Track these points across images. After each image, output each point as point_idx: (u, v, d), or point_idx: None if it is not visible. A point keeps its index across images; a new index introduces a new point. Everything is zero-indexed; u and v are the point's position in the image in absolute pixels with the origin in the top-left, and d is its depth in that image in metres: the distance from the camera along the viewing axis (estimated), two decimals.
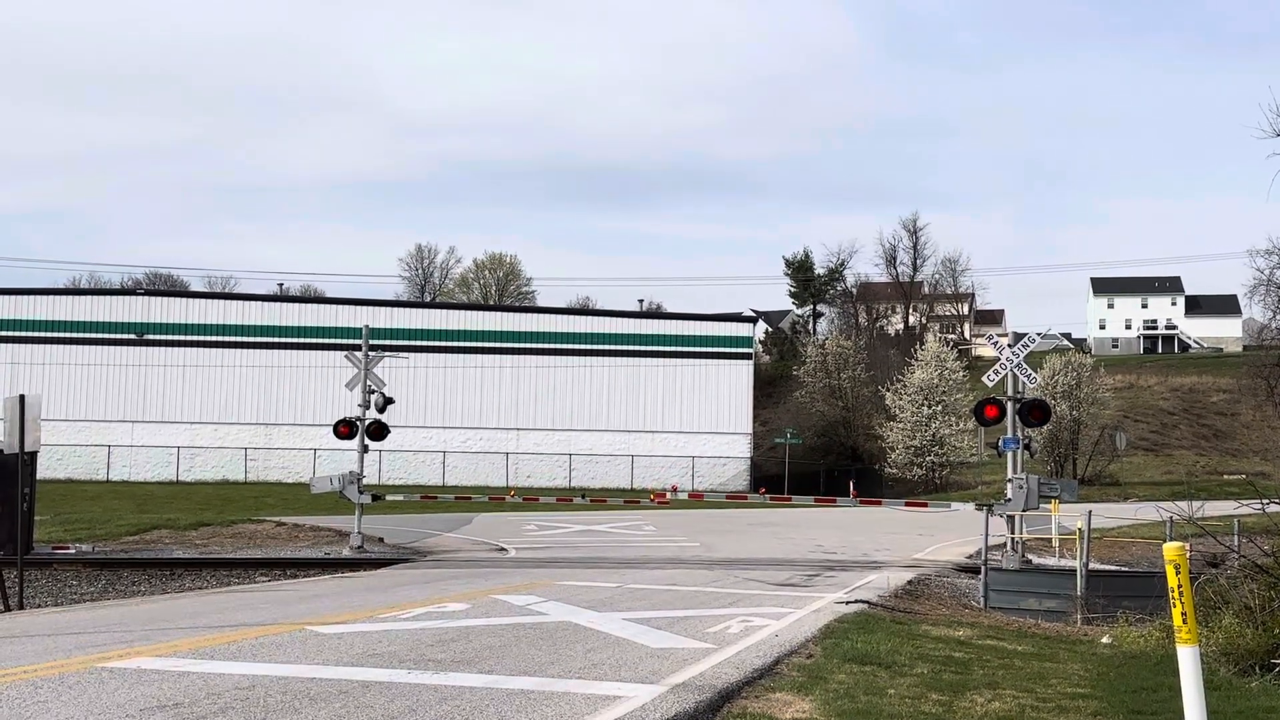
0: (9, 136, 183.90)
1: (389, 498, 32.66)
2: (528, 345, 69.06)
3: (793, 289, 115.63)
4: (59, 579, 24.16)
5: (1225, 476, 66.51)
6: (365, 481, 28.75)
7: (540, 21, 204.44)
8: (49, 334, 67.79)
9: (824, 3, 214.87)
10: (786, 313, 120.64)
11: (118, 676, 9.80)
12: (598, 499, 41.14)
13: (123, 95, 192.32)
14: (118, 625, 14.30)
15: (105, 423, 67.32)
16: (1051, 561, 25.55)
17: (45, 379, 64.46)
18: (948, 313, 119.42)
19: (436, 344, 67.91)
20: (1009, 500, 22.42)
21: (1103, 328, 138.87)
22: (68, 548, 27.80)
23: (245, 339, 68.34)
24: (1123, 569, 24.96)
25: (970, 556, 26.18)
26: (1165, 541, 10.55)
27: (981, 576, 20.80)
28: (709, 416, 68.65)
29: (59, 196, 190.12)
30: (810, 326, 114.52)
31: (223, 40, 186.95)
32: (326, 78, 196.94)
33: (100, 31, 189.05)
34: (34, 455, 24.82)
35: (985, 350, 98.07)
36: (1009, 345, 23.77)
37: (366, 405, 28.54)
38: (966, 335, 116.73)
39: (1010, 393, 22.94)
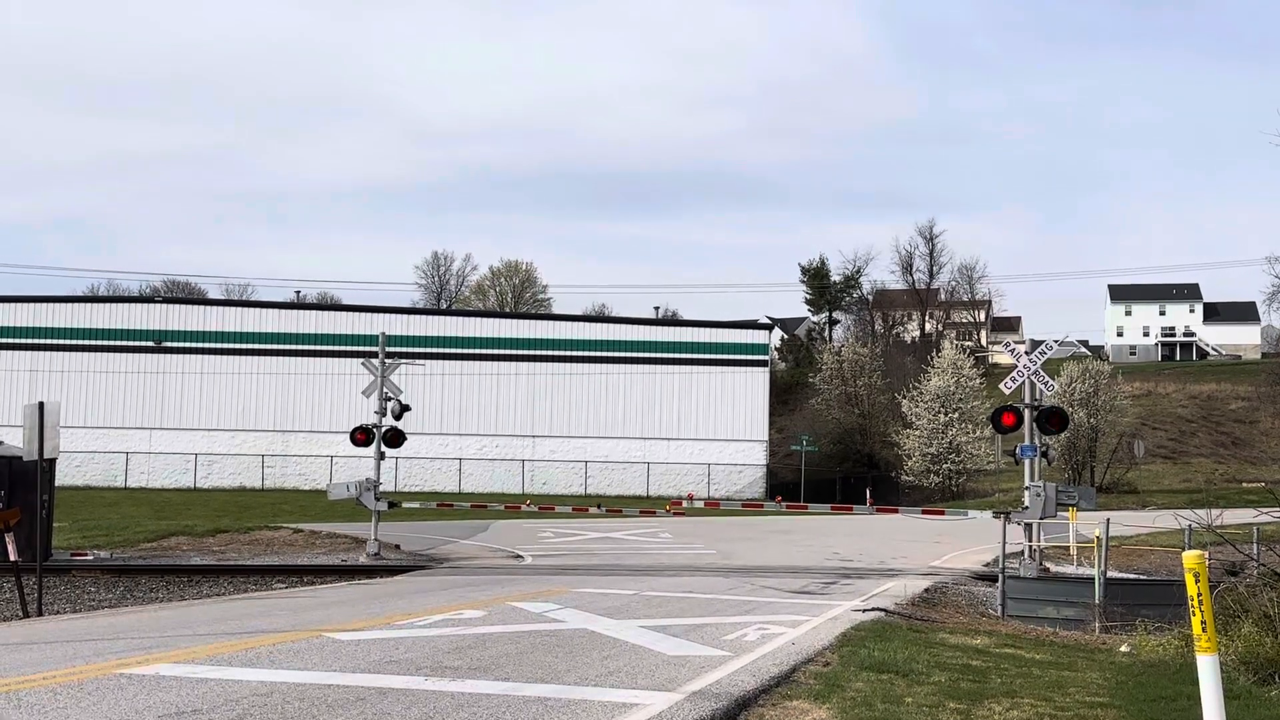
0: (27, 143, 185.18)
1: (405, 505, 32.71)
2: (543, 352, 69.14)
3: (809, 296, 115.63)
4: (77, 586, 24.25)
5: (1244, 484, 66.16)
6: (382, 488, 28.81)
7: (557, 28, 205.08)
8: (68, 341, 68.20)
9: (841, 9, 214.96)
10: (802, 320, 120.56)
11: (136, 683, 9.84)
12: (614, 507, 41.14)
13: (141, 102, 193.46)
14: (136, 632, 14.35)
15: (123, 429, 67.64)
16: (1069, 569, 25.44)
17: (64, 386, 64.86)
18: (964, 320, 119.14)
19: (453, 351, 68.06)
20: (1026, 508, 22.35)
21: (1120, 335, 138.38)
22: (86, 554, 27.92)
23: (262, 346, 68.62)
24: (1141, 577, 24.84)
25: (987, 564, 26.10)
26: (1184, 549, 10.50)
27: (999, 584, 20.73)
28: (725, 424, 68.60)
29: (77, 204, 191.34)
30: (826, 334, 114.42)
31: (240, 48, 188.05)
32: (345, 85, 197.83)
33: (118, 39, 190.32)
34: (53, 462, 24.95)
35: (1002, 357, 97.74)
36: (1026, 352, 23.70)
37: (383, 412, 28.61)
38: (983, 342, 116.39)
39: (1027, 400, 22.87)
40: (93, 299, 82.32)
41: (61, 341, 68.17)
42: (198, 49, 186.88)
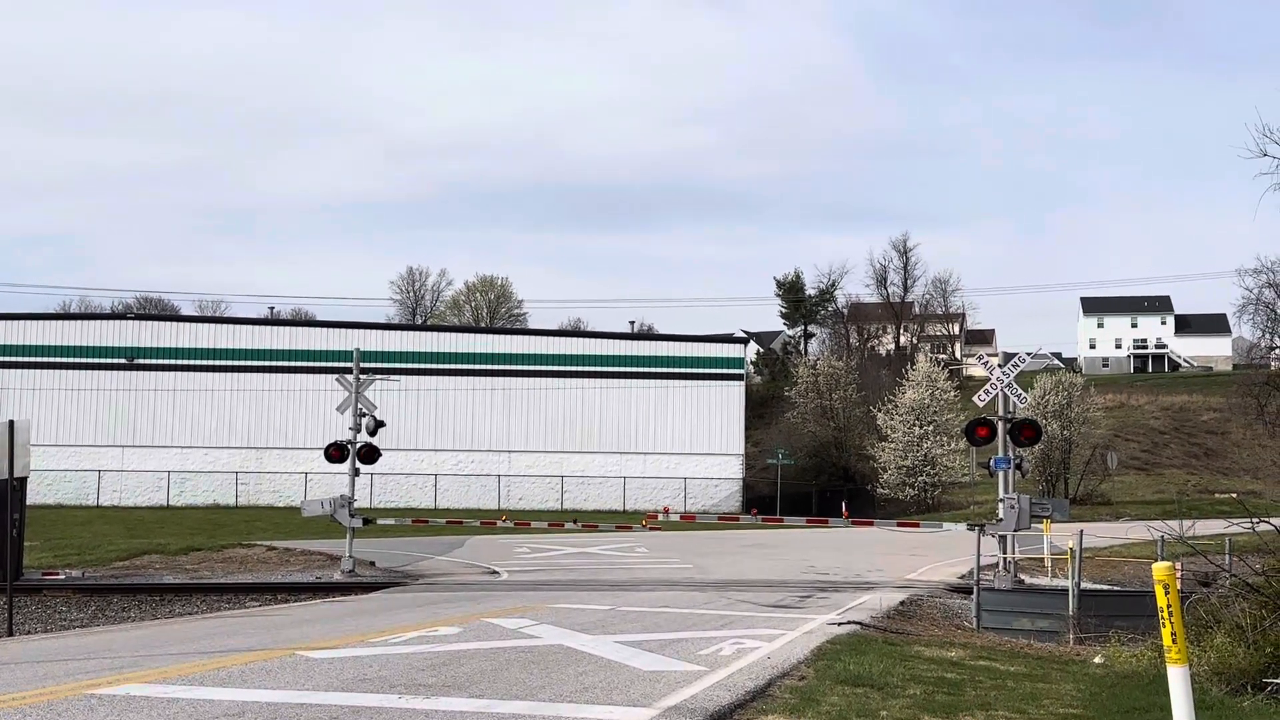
0: None
1: (380, 521, 32.62)
2: (519, 367, 69.05)
3: (784, 310, 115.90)
4: (49, 605, 24.06)
5: (1216, 495, 66.54)
6: (356, 505, 28.68)
7: (533, 43, 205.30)
8: (39, 359, 67.66)
9: (817, 24, 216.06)
10: (778, 333, 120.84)
11: (107, 703, 9.76)
12: (590, 522, 41.06)
13: (114, 119, 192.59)
14: (107, 651, 14.23)
15: (95, 447, 67.11)
16: (1044, 581, 25.53)
17: (35, 404, 64.34)
18: (938, 333, 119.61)
19: (428, 367, 67.88)
20: (1001, 520, 22.42)
21: (1093, 347, 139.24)
22: (58, 573, 27.68)
23: (236, 363, 68.26)
24: (1115, 588, 24.96)
25: (962, 577, 26.17)
26: (1156, 561, 10.57)
27: (974, 597, 20.79)
28: (701, 438, 68.63)
29: (48, 220, 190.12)
30: (801, 347, 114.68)
31: (214, 64, 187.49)
32: (320, 101, 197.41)
33: (90, 55, 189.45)
34: (24, 481, 24.76)
35: (976, 370, 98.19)
36: (999, 365, 23.83)
37: (357, 428, 28.49)
38: (957, 355, 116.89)
39: (1001, 412, 22.98)
40: (64, 316, 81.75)
41: (32, 359, 67.63)
42: (172, 65, 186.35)
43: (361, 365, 29.73)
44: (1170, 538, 19.82)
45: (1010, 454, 22.79)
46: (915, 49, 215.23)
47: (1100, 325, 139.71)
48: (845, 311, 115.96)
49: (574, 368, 69.22)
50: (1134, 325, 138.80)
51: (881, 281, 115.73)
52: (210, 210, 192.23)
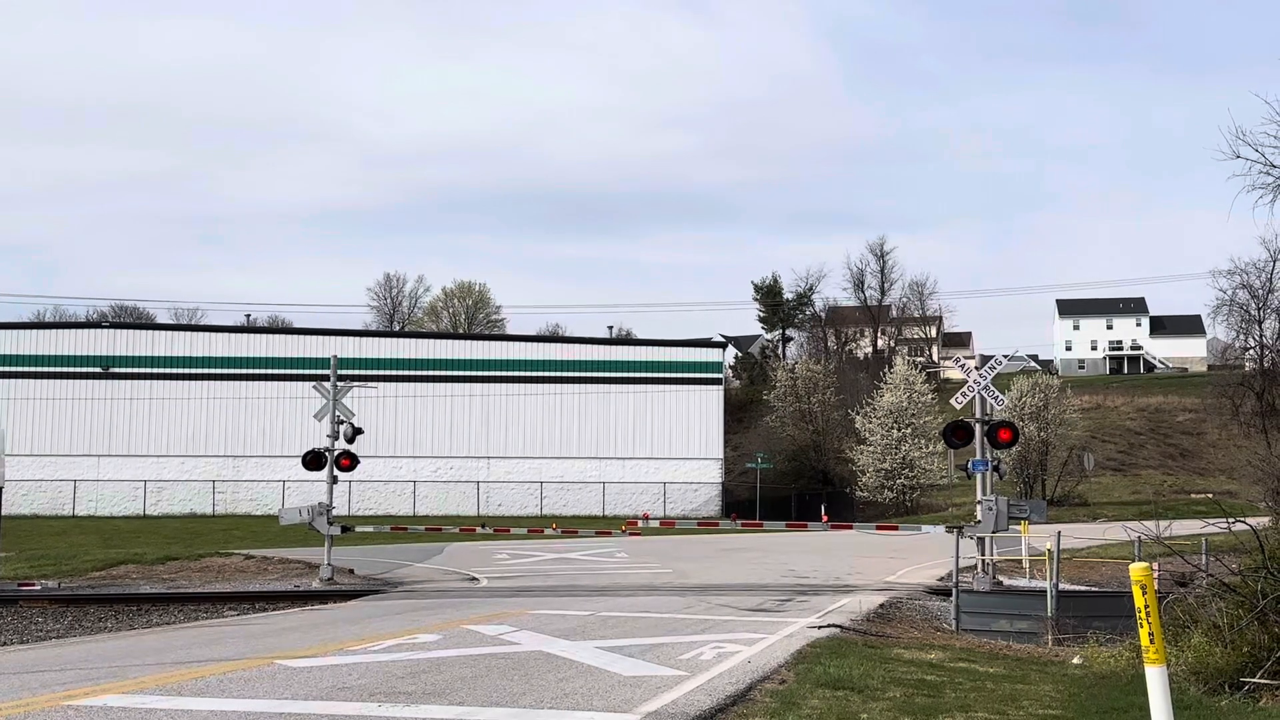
0: None
1: (359, 529, 32.46)
2: (497, 373, 68.94)
3: (762, 314, 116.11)
4: (24, 616, 23.84)
5: (1192, 496, 67.04)
6: (335, 513, 28.57)
7: (512, 50, 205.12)
8: (13, 369, 67.17)
9: (793, 30, 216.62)
10: (756, 338, 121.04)
11: (84, 714, 9.69)
12: (569, 528, 40.99)
13: (88, 126, 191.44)
14: (84, 662, 14.14)
15: (71, 457, 66.67)
16: (1022, 583, 25.62)
17: (9, 414, 63.80)
18: (916, 336, 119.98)
19: (406, 373, 67.72)
20: (979, 522, 22.50)
21: (1069, 349, 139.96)
22: (33, 584, 27.47)
23: (212, 371, 67.93)
24: (1093, 589, 25.06)
25: (941, 579, 26.26)
26: (1133, 562, 10.61)
27: (953, 599, 20.85)
28: (680, 442, 68.66)
29: (22, 229, 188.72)
30: (780, 351, 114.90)
31: (190, 71, 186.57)
32: (297, 108, 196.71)
33: (65, 62, 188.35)
34: None
35: (953, 373, 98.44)
36: (976, 368, 23.90)
37: (335, 436, 28.39)
38: (934, 358, 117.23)
39: (978, 415, 23.05)
40: (38, 325, 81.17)
41: (6, 369, 67.13)
42: (147, 74, 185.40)
43: (339, 372, 29.63)
44: (1147, 538, 19.91)
45: (988, 456, 22.86)
46: (889, 54, 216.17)
47: (1076, 327, 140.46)
48: (823, 315, 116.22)
49: (552, 373, 69.17)
50: (1109, 327, 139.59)
51: (859, 285, 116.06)
52: (186, 218, 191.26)
